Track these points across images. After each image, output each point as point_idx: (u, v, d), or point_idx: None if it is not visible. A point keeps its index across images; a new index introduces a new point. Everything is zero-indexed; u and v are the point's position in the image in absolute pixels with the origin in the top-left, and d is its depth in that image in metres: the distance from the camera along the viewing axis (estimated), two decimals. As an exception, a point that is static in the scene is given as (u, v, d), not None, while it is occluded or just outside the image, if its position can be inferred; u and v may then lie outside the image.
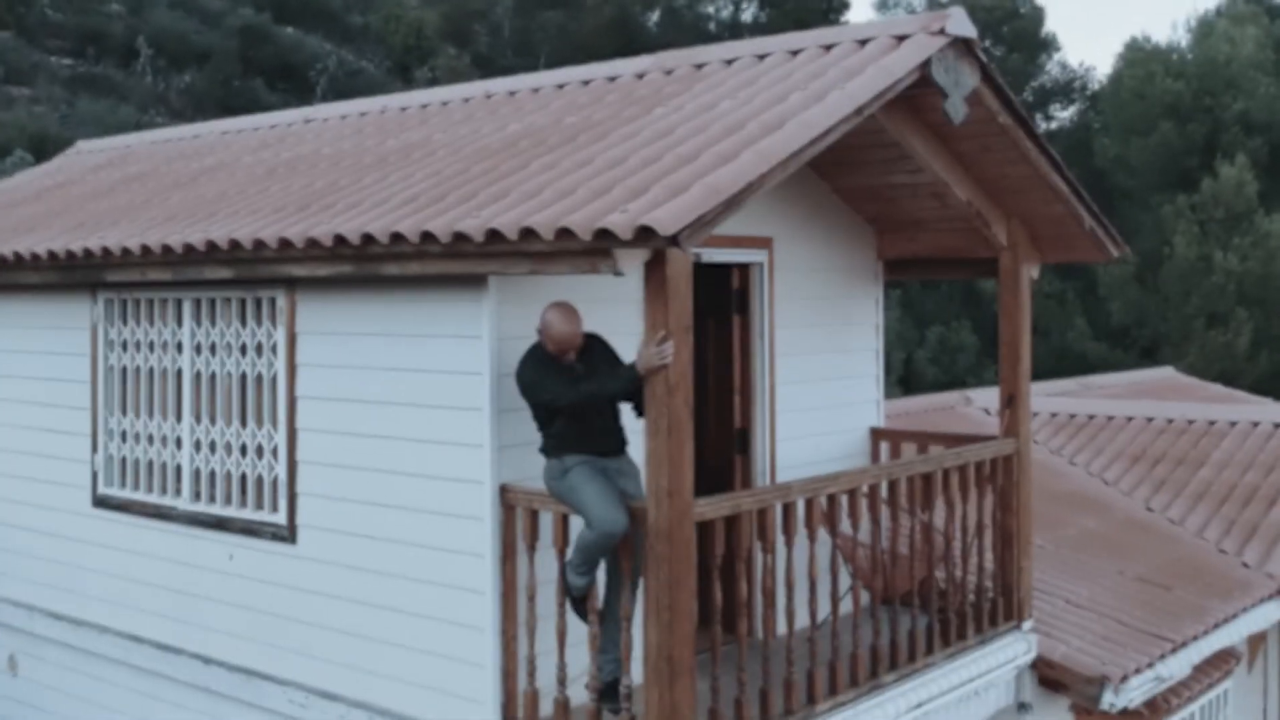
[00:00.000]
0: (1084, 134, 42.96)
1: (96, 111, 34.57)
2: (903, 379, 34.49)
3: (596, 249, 5.91)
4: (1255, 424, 14.26)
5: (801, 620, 7.53)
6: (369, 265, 6.97)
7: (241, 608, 8.34)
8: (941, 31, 7.44)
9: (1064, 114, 49.78)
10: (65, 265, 8.85)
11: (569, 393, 6.49)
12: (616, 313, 7.18)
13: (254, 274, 7.71)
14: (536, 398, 6.61)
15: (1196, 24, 42.71)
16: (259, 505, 8.28)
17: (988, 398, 15.29)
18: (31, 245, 9.07)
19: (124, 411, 9.27)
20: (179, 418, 8.84)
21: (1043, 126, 47.26)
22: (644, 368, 6.16)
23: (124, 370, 9.28)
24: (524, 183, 6.82)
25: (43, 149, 27.19)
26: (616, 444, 6.76)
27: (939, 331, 36.80)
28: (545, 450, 6.71)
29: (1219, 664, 10.49)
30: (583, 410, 6.54)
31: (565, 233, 5.95)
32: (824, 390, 9.25)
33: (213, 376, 8.59)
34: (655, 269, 6.03)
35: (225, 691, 8.38)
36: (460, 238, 6.36)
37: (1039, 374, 10.99)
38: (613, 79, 8.84)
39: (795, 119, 6.66)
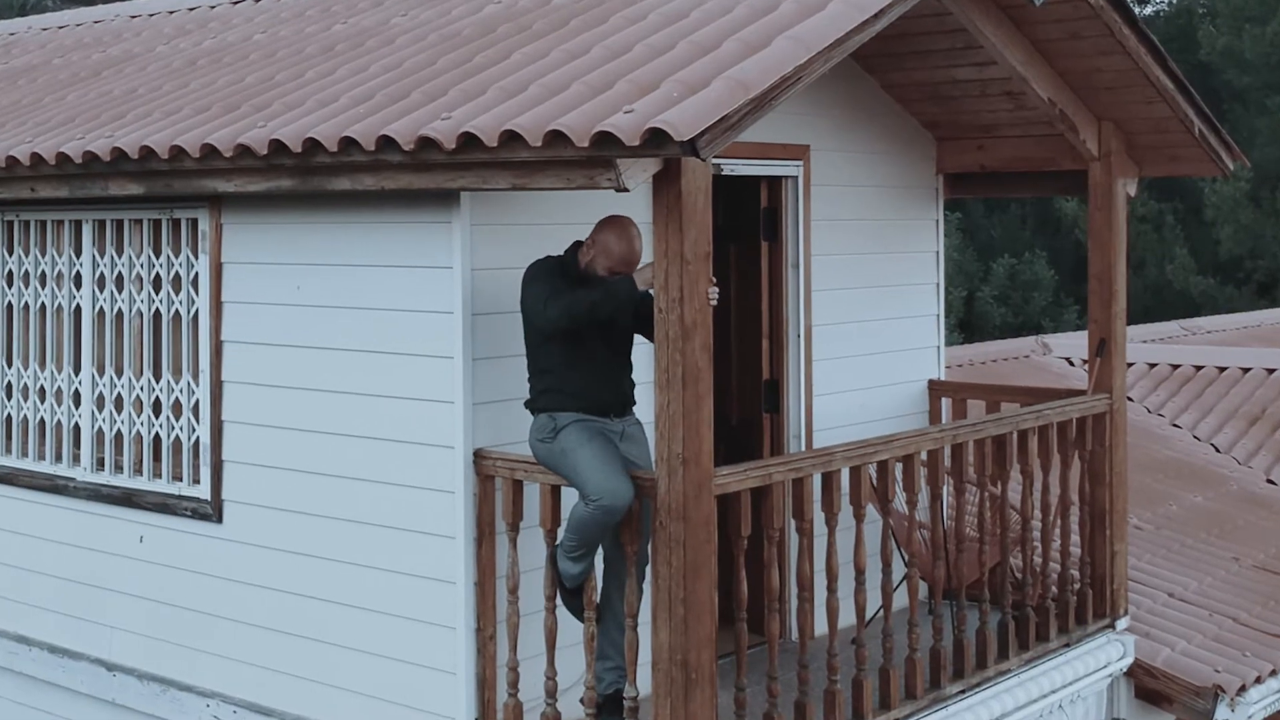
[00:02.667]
0: (1186, 21, 42.65)
1: (-29, -8, 34.42)
2: (964, 321, 34.49)
3: (595, 158, 5.88)
4: (1399, 377, 14.28)
5: (846, 617, 7.53)
6: (313, 179, 6.95)
7: (154, 602, 8.35)
8: (1021, -112, 7.42)
9: (1162, -3, 49.56)
10: (-65, 179, 8.80)
11: (558, 302, 6.42)
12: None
13: (170, 190, 7.68)
14: (528, 304, 6.57)
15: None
16: (176, 476, 8.27)
17: (1070, 344, 15.32)
18: (-107, 155, 9.02)
19: (9, 360, 9.25)
20: (77, 368, 8.82)
21: (1136, 13, 47.07)
22: (645, 284, 6.20)
23: (9, 309, 9.26)
24: (504, 77, 6.79)
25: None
26: (620, 399, 6.76)
27: (1008, 264, 36.73)
28: (532, 405, 6.69)
29: (1356, 671, 10.50)
30: (574, 328, 6.48)
31: (557, 137, 5.91)
32: (872, 334, 9.26)
33: (119, 316, 8.57)
34: (667, 183, 6.00)
35: (134, 705, 8.41)
36: (426, 144, 6.32)
37: (1132, 316, 10.92)
38: (612, -52, 8.77)
39: (840, -3, 6.61)
